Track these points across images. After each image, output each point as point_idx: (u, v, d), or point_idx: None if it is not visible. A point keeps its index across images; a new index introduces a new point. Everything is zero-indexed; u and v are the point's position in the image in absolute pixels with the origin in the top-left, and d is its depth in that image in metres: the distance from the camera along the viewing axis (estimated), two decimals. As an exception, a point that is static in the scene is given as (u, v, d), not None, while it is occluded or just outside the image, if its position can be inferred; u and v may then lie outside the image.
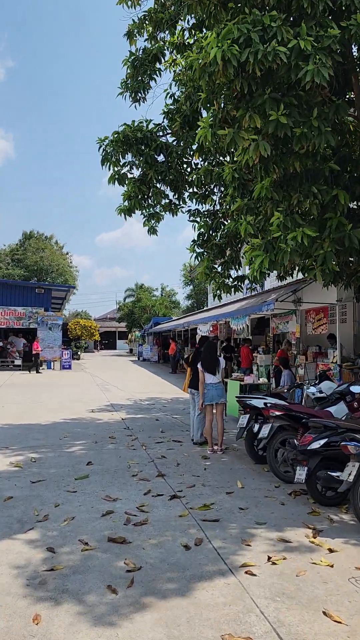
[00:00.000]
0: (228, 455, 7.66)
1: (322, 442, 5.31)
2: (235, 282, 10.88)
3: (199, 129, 6.88)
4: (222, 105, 6.75)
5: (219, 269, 10.78)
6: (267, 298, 13.89)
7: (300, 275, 13.74)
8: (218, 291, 10.91)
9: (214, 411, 8.05)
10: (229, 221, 9.67)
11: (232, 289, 10.78)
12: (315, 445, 5.32)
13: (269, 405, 6.48)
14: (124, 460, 7.30)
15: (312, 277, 7.54)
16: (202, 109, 10.00)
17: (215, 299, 10.98)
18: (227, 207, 8.92)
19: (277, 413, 6.27)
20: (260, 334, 22.18)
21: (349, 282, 9.51)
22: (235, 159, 7.97)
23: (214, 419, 8.01)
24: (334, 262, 7.11)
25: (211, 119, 6.77)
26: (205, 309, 27.42)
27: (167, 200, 10.83)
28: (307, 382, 11.55)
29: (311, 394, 7.51)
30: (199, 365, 8.11)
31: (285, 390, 10.41)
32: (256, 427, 6.98)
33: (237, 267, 10.79)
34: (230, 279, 10.92)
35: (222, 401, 7.90)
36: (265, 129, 6.39)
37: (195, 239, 10.49)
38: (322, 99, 6.71)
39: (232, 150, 7.32)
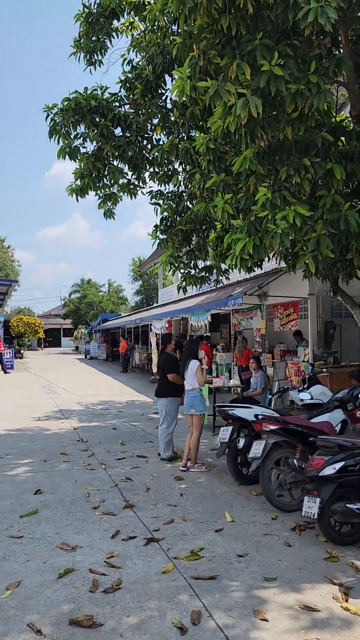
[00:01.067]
0: (205, 475, 6.50)
1: (337, 466, 4.25)
2: (203, 273, 9.76)
3: (174, 80, 5.67)
4: (204, 52, 5.55)
5: (185, 258, 9.63)
6: (231, 292, 12.85)
7: (270, 266, 12.82)
8: (183, 283, 9.75)
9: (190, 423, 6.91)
10: (196, 203, 8.51)
11: (200, 281, 9.65)
12: (329, 470, 4.25)
13: (260, 417, 5.37)
14: (81, 486, 6.00)
15: (302, 265, 6.49)
16: (167, 74, 8.81)
17: (179, 292, 9.82)
18: (197, 186, 7.74)
19: (272, 427, 5.17)
20: (215, 330, 21.25)
21: (329, 273, 8.59)
22: (210, 125, 6.83)
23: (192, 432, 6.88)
24: (329, 247, 6.10)
25: (189, 69, 5.56)
26: (159, 304, 26.21)
27: (126, 180, 9.55)
28: (276, 384, 10.58)
29: (299, 400, 6.48)
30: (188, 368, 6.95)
31: (258, 394, 9.40)
32: (241, 442, 5.87)
33: (204, 256, 9.66)
34: (197, 270, 9.78)
35: (191, 412, 6.73)
36: (256, 82, 5.26)
37: (158, 223, 9.27)
38: (320, 51, 5.66)
39: (215, 106, 6.15)
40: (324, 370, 7.01)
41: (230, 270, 10.59)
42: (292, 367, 11.57)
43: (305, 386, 6.61)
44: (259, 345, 13.50)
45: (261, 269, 11.04)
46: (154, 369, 19.92)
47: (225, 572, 3.83)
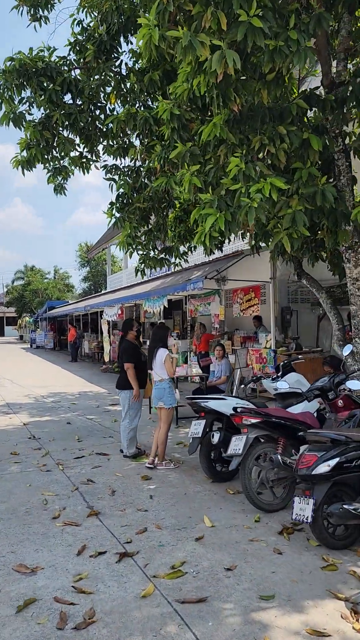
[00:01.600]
0: (174, 472, 5.96)
1: (332, 463, 3.81)
2: (162, 255, 9.16)
3: (140, 29, 4.99)
4: (172, -3, 4.90)
5: (143, 238, 8.99)
6: (189, 276, 12.32)
7: (231, 248, 12.35)
8: (142, 265, 9.12)
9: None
10: (156, 178, 7.88)
11: (159, 262, 9.04)
12: (323, 468, 3.81)
13: (240, 410, 4.87)
14: (36, 491, 5.33)
15: (275, 244, 6.03)
16: (123, 36, 8.06)
17: (137, 275, 9.18)
18: (157, 160, 7.11)
19: (253, 420, 4.68)
20: (167, 317, 20.71)
21: (295, 255, 8.21)
22: (173, 91, 6.21)
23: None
24: (305, 225, 5.66)
25: (156, 15, 4.90)
26: (109, 290, 25.36)
27: (78, 153, 8.78)
28: (238, 372, 10.17)
29: (273, 389, 6.04)
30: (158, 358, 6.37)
31: (222, 383, 8.95)
32: (215, 436, 5.36)
33: (163, 237, 9.05)
34: (156, 251, 9.17)
35: (160, 405, 6.17)
36: (232, 35, 4.69)
37: (114, 201, 8.57)
38: (298, 6, 5.14)
39: (180, 67, 5.52)
40: (299, 357, 6.59)
41: (190, 252, 10.07)
42: (253, 354, 11.21)
43: (279, 374, 6.18)
44: (217, 332, 13.08)
45: (221, 252, 10.59)
46: (106, 358, 19.19)
47: (215, 591, 3.32)
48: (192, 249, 10.03)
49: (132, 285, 20.75)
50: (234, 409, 4.96)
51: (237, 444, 4.68)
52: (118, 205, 8.51)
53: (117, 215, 8.45)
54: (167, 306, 12.84)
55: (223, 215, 5.59)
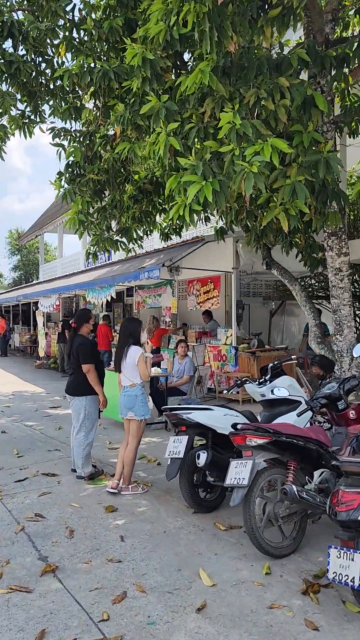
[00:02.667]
0: (144, 499, 4.84)
1: (384, 504, 2.86)
2: (118, 237, 7.96)
3: None
4: None
5: (96, 217, 7.75)
6: (140, 264, 11.15)
7: (190, 234, 11.27)
8: (94, 247, 7.86)
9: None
10: (114, 145, 6.68)
11: (115, 245, 7.83)
12: (373, 511, 2.85)
13: (240, 427, 3.83)
14: (-33, 534, 4.05)
15: (271, 221, 5.05)
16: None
17: (88, 260, 7.94)
18: (118, 122, 5.91)
19: (261, 441, 3.65)
20: (107, 310, 19.41)
21: (266, 242, 7.30)
22: (143, 34, 5.08)
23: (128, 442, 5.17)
24: (306, 199, 4.73)
25: None
26: (43, 280, 23.58)
27: (19, 112, 7.39)
28: (196, 371, 9.18)
29: (259, 395, 5.06)
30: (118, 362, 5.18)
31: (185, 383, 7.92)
32: (202, 457, 4.30)
33: (119, 215, 7.85)
34: (111, 232, 7.94)
35: (130, 416, 5.02)
36: None
37: (63, 170, 7.27)
38: None
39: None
40: (293, 357, 5.66)
41: (146, 236, 8.92)
42: (211, 351, 10.26)
43: (267, 377, 5.20)
44: (168, 326, 12.03)
45: (180, 237, 9.54)
46: (41, 353, 17.63)
47: None
48: (148, 232, 8.89)
49: (69, 275, 19.26)
50: (234, 425, 3.91)
51: (239, 472, 3.63)
52: (68, 175, 7.22)
53: (67, 187, 7.16)
54: (114, 297, 11.61)
55: (210, 184, 4.51)
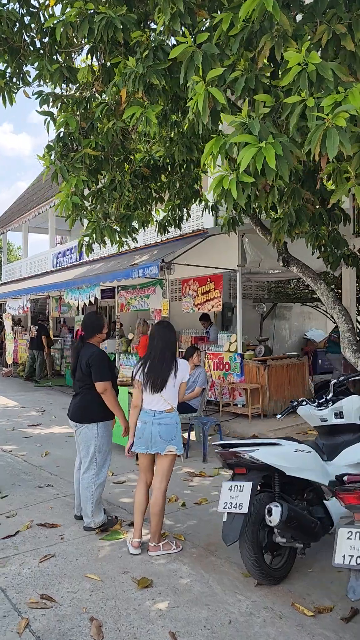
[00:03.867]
0: (181, 561, 3.66)
1: None
2: (120, 224, 6.72)
3: None
4: None
5: (91, 201, 6.51)
6: (128, 261, 9.94)
7: (189, 227, 10.08)
8: (87, 239, 6.59)
9: (153, 468, 3.98)
10: (122, 109, 5.47)
11: (116, 234, 6.58)
12: None
13: (346, 478, 2.71)
14: None
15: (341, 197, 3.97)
16: None
17: (82, 253, 6.66)
18: (130, 81, 4.75)
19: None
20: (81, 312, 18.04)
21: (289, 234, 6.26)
22: None
23: (153, 485, 3.95)
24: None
25: None
26: (10, 280, 21.91)
27: (-2, 72, 6.10)
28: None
29: (320, 418, 3.98)
30: (138, 376, 3.93)
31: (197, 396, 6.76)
32: (276, 514, 3.15)
33: (118, 200, 6.63)
34: (109, 219, 6.70)
35: (169, 450, 3.82)
36: None
37: (53, 144, 6.02)
38: None
39: None
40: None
41: (143, 228, 7.70)
42: (211, 359, 9.14)
43: (328, 397, 4.12)
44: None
45: (180, 230, 8.41)
46: (9, 360, 16.10)
47: None
48: (145, 224, 7.67)
49: (39, 275, 17.82)
50: (339, 478, 2.78)
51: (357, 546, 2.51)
52: (59, 150, 5.96)
53: (58, 164, 5.89)
54: (98, 297, 10.34)
55: (271, 146, 3.41)
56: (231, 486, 3.30)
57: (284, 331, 15.18)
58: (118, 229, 6.64)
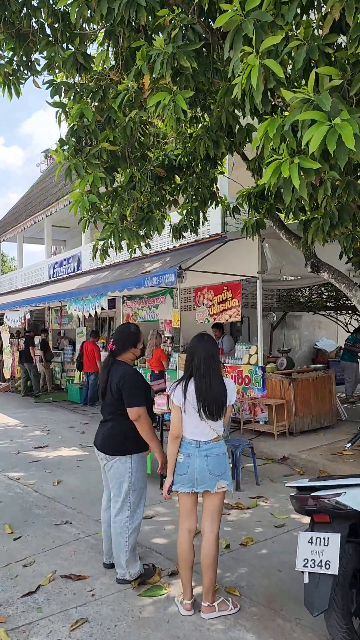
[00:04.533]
0: (245, 626, 3.02)
1: None
2: (142, 228, 6.11)
3: None
4: None
5: (106, 201, 5.92)
6: (137, 270, 9.35)
7: (205, 232, 9.50)
8: (103, 243, 5.97)
9: (199, 507, 3.35)
10: (145, 97, 4.90)
11: (138, 237, 5.97)
12: None
13: None
14: None
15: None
16: None
17: (95, 258, 6.04)
18: (157, 64, 4.20)
19: None
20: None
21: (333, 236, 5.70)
22: None
23: (202, 530, 3.30)
24: None
25: None
26: (8, 291, 21.15)
27: (5, 60, 5.53)
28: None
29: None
30: (178, 400, 3.33)
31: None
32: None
33: (139, 199, 6.03)
34: (126, 222, 6.07)
35: (220, 487, 3.21)
36: None
37: (66, 138, 5.43)
38: None
39: None
40: None
41: (157, 233, 7.06)
42: (228, 372, 8.52)
43: None
44: (169, 344, 10.23)
45: (196, 234, 7.86)
46: (6, 373, 15.41)
47: None
48: (158, 229, 7.06)
49: (38, 285, 17.17)
50: None
51: None
52: (73, 143, 5.37)
53: (72, 160, 5.29)
54: (105, 307, 9.72)
55: (348, 123, 2.85)
56: (312, 538, 2.68)
57: (294, 341, 14.62)
58: (138, 232, 6.03)
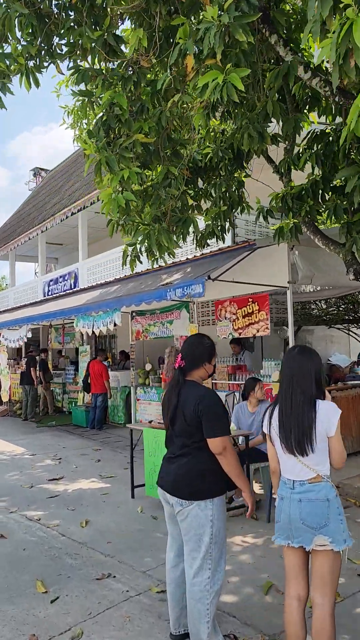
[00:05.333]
0: None
1: None
2: (178, 230, 5.48)
3: None
4: None
5: (140, 202, 5.27)
6: (153, 282, 8.71)
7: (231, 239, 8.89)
8: (139, 247, 5.32)
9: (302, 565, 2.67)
10: (190, 79, 4.28)
11: (172, 239, 5.29)
12: None
13: None
14: None
15: None
16: None
17: (125, 265, 5.38)
18: (206, 43, 3.65)
19: None
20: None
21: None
22: None
23: (312, 600, 2.59)
24: None
25: None
26: (4, 309, 20.25)
27: (24, 45, 4.91)
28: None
29: None
30: (268, 428, 2.72)
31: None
32: None
33: (177, 197, 5.39)
34: (162, 223, 5.41)
35: (320, 544, 2.51)
36: None
37: (95, 128, 4.81)
38: None
39: None
40: None
41: (183, 240, 6.37)
42: (261, 392, 7.83)
43: None
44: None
45: (223, 242, 7.27)
46: (4, 397, 14.57)
47: None
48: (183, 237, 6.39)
49: (37, 302, 16.43)
50: None
51: None
52: (102, 134, 4.74)
53: (103, 152, 4.66)
54: (118, 323, 9.03)
55: None
56: None
57: (307, 357, 13.99)
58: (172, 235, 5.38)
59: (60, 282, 17.02)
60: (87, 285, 13.75)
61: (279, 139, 5.35)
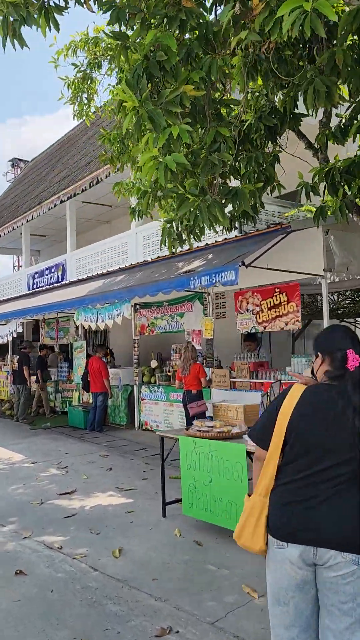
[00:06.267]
0: None
1: None
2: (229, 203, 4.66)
3: None
4: None
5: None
6: (168, 271, 7.87)
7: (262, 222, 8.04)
8: (185, 224, 4.51)
9: None
10: (256, 14, 3.47)
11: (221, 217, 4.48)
12: None
13: None
14: None
15: None
16: None
17: (164, 245, 4.57)
18: None
19: None
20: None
21: None
22: None
23: None
24: None
25: None
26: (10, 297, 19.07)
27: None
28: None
29: None
30: None
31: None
32: None
33: (226, 166, 4.57)
34: (208, 196, 4.58)
35: None
36: None
37: (133, 78, 3.96)
38: None
39: None
40: None
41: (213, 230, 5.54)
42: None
43: None
44: (194, 358, 8.73)
45: (254, 224, 6.48)
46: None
47: None
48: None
49: (26, 295, 15.43)
50: None
51: None
52: (145, 84, 3.90)
53: (147, 103, 3.81)
54: (127, 316, 8.17)
55: None
56: None
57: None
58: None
59: (47, 275, 16.10)
60: (76, 278, 12.84)
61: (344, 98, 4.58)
